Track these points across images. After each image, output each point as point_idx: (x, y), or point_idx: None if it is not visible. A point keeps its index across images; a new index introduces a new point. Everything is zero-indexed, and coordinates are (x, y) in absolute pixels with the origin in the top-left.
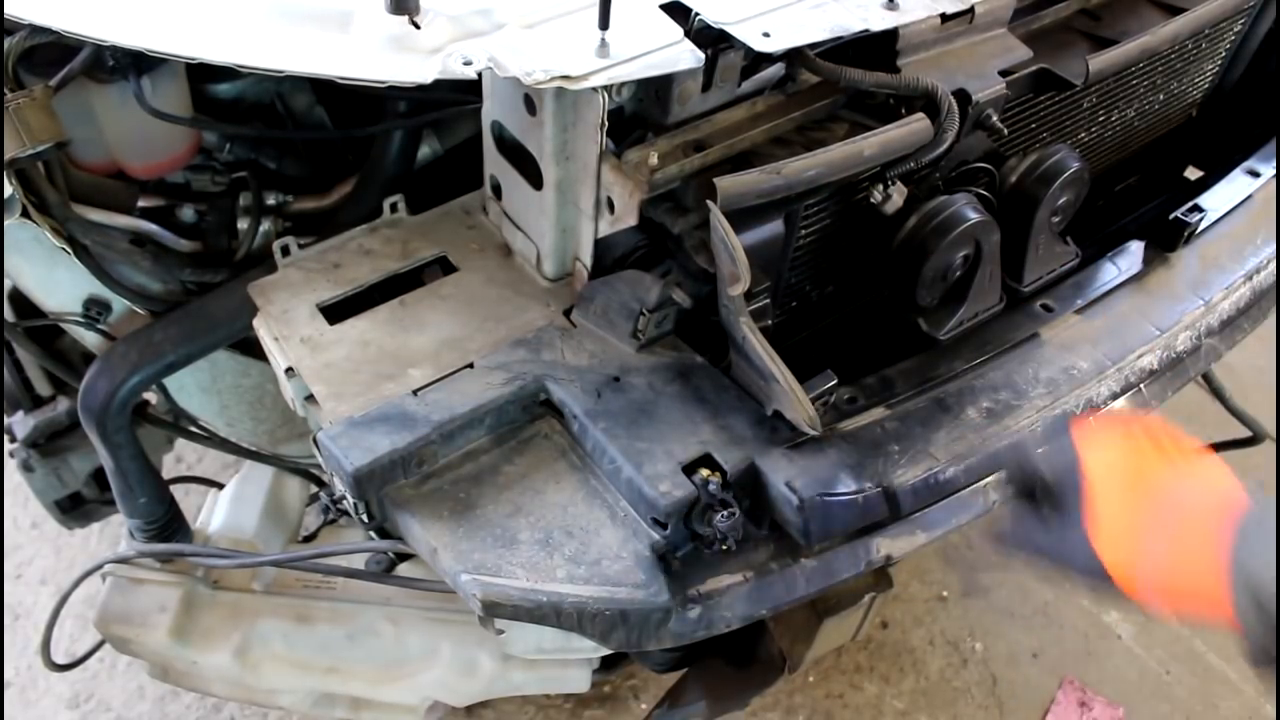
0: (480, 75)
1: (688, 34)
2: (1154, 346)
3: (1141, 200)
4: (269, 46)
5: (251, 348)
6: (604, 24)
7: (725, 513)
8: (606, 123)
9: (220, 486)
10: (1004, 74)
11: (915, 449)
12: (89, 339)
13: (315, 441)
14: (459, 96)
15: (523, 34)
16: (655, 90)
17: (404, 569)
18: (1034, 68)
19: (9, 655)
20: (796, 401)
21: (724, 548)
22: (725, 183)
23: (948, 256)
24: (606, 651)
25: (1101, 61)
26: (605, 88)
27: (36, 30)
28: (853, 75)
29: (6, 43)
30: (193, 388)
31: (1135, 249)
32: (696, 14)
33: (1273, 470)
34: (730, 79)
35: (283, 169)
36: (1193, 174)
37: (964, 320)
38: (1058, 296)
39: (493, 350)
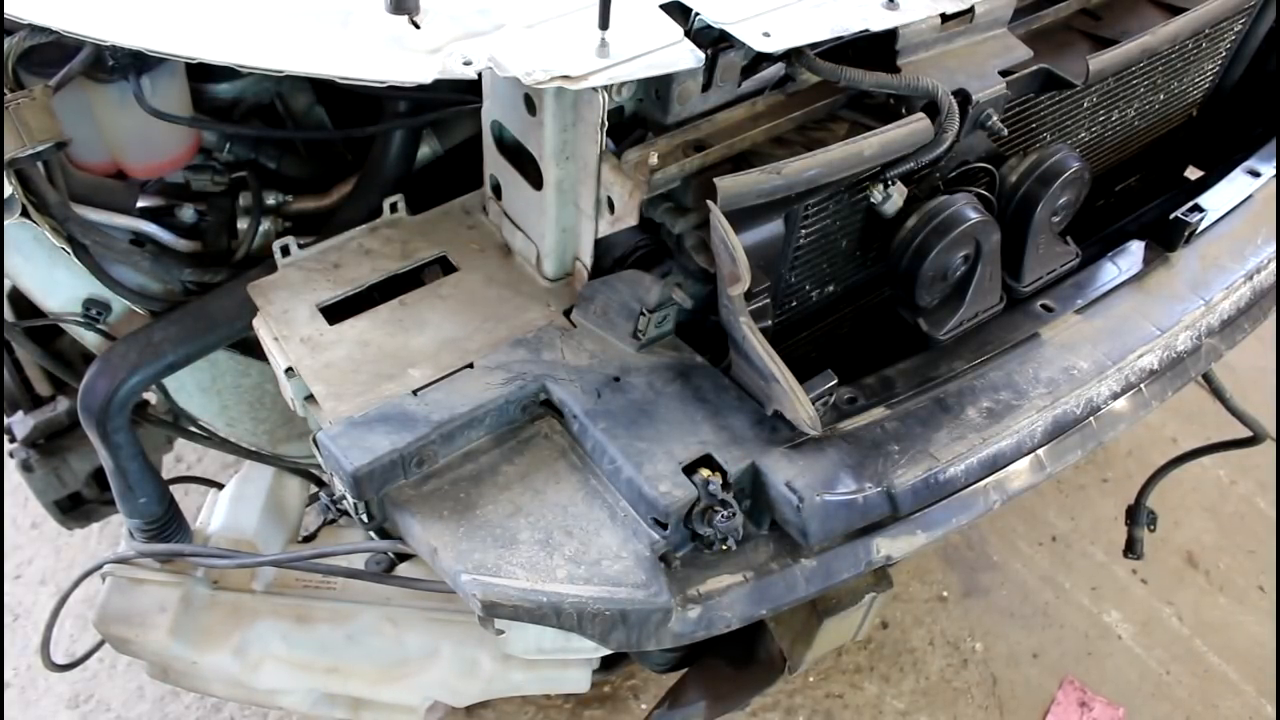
0: (480, 75)
1: (688, 34)
2: (1154, 346)
3: (1142, 200)
4: (268, 46)
5: (251, 348)
6: (604, 24)
7: (725, 513)
8: (606, 123)
9: (220, 486)
10: (1004, 74)
11: (915, 449)
12: (89, 339)
13: (315, 441)
14: (459, 96)
15: (523, 34)
16: (655, 90)
17: (404, 569)
18: (1034, 68)
19: (9, 655)
20: (796, 401)
21: (724, 548)
22: (725, 183)
23: (948, 256)
24: (606, 651)
25: (1102, 61)
26: (605, 88)
27: (36, 30)
28: (853, 75)
29: (6, 43)
30: (193, 388)
31: (1135, 249)
32: (696, 14)
33: (1273, 470)
34: (730, 79)
35: (283, 169)
36: (1193, 174)
37: (964, 320)
38: (1058, 296)
39: (493, 350)
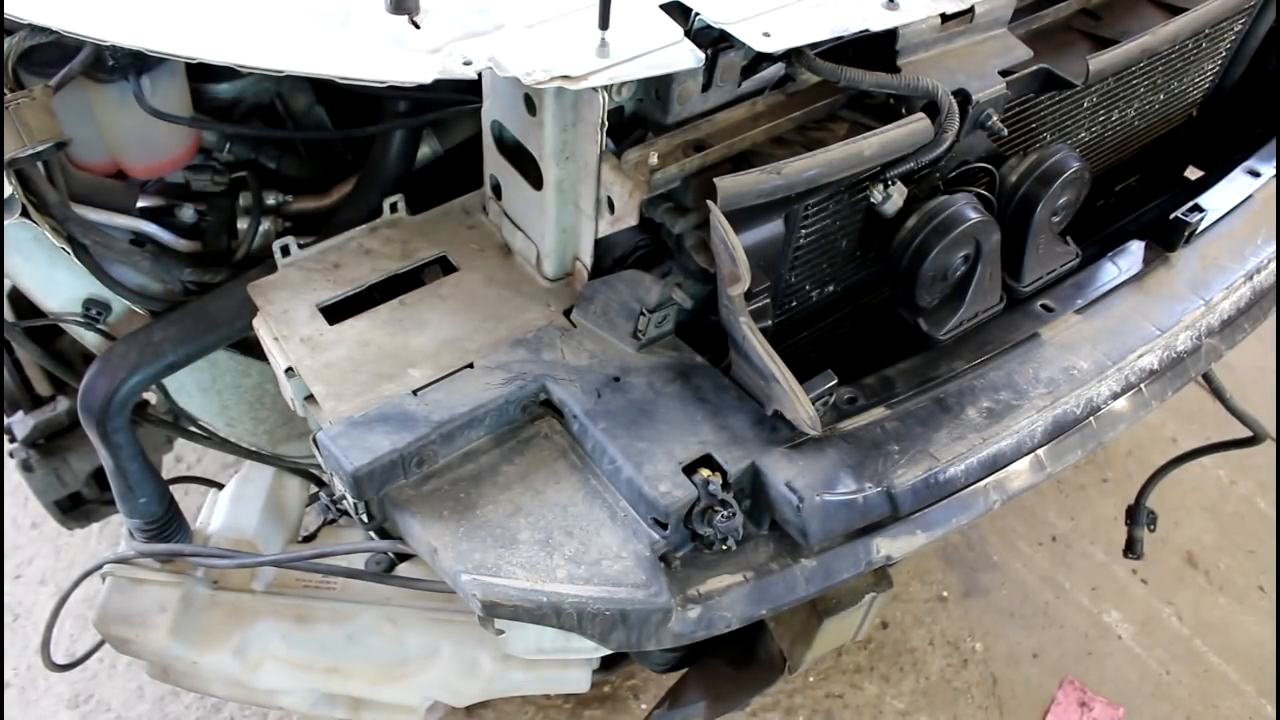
0: (480, 75)
1: (688, 34)
2: (1154, 346)
3: (1142, 200)
4: (268, 46)
5: (251, 348)
6: (604, 24)
7: (725, 513)
8: (606, 122)
9: (220, 486)
10: (1004, 74)
11: (915, 449)
12: (89, 339)
13: (315, 441)
14: (459, 96)
15: (523, 34)
16: (655, 90)
17: (404, 569)
18: (1034, 68)
19: (9, 655)
20: (796, 401)
21: (724, 548)
22: (725, 183)
23: (948, 256)
24: (606, 651)
25: (1102, 61)
26: (605, 88)
27: (36, 30)
28: (853, 75)
29: (6, 43)
30: (193, 388)
31: (1135, 249)
32: (696, 14)
33: (1273, 470)
34: (730, 79)
35: (282, 169)
36: (1193, 174)
37: (964, 320)
38: (1058, 296)
39: (493, 350)
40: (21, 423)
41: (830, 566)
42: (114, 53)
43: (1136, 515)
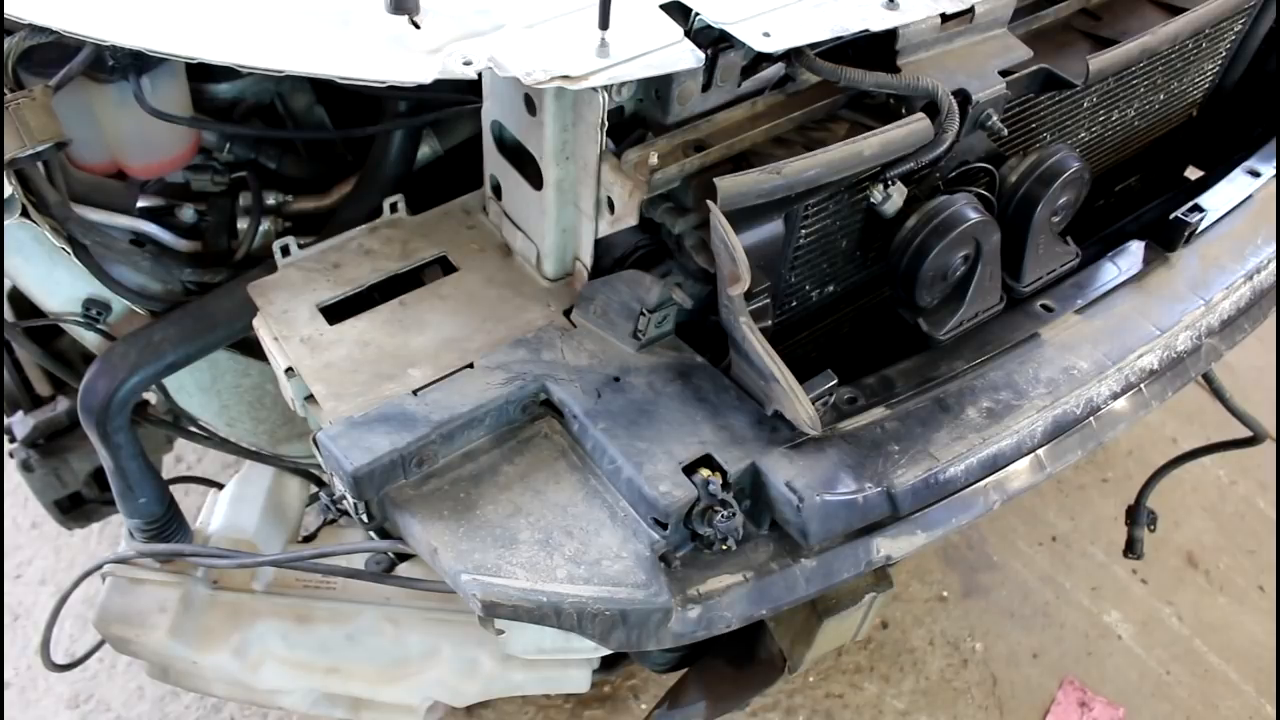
0: (480, 75)
1: (688, 34)
2: (1154, 346)
3: (1142, 200)
4: (268, 46)
5: (251, 348)
6: (604, 24)
7: (725, 513)
8: (606, 123)
9: (220, 486)
10: (1004, 74)
11: (915, 449)
12: (89, 339)
13: (315, 441)
14: (459, 96)
15: (523, 34)
16: (655, 90)
17: (404, 569)
18: (1034, 68)
19: (9, 655)
20: (796, 401)
21: (724, 548)
22: (725, 183)
23: (948, 256)
24: (606, 651)
25: (1102, 61)
26: (605, 88)
27: (36, 30)
28: (853, 75)
29: (6, 43)
30: (193, 388)
31: (1135, 249)
32: (696, 14)
33: (1273, 470)
34: (730, 79)
35: (283, 169)
36: (1193, 174)
37: (964, 320)
38: (1058, 296)
39: (493, 350)
40: (21, 423)
41: (830, 566)
42: (114, 53)
43: (1136, 515)
